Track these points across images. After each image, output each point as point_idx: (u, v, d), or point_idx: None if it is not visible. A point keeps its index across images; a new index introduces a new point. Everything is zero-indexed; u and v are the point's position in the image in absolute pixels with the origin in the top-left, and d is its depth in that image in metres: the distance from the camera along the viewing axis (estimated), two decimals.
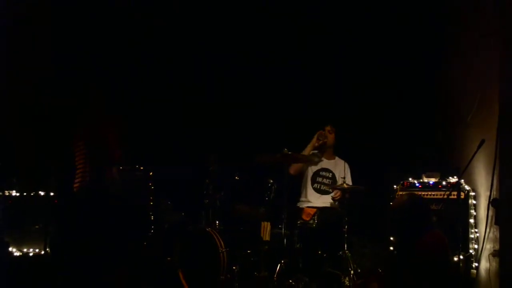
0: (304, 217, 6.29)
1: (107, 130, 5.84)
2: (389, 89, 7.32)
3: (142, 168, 7.02)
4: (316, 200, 6.59)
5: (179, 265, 5.99)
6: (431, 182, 6.23)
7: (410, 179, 6.34)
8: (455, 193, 5.75)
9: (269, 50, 7.73)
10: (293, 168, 6.61)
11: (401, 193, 6.17)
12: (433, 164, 6.57)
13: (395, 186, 6.36)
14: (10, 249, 5.97)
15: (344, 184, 6.04)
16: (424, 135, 7.09)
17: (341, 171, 6.49)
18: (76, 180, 5.76)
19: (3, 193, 6.34)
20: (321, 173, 6.70)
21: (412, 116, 7.22)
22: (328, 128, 6.69)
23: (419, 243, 4.34)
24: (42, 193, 6.34)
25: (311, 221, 6.16)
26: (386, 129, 7.30)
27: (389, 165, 6.95)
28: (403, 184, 6.32)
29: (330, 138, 6.69)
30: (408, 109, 7.26)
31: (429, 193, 6.13)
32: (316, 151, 6.77)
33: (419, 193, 6.06)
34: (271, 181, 6.26)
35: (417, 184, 6.27)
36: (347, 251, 5.84)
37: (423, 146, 6.93)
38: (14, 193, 6.38)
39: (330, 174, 6.67)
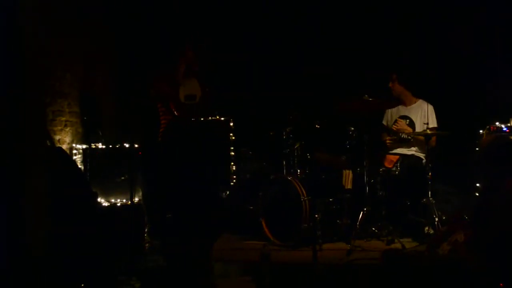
0: (387, 164, 6.18)
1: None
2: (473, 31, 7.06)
3: (223, 118, 7.07)
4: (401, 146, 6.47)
5: (262, 214, 6.05)
6: None
7: (497, 123, 6.12)
8: None
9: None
10: None
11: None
12: None
13: (481, 131, 6.16)
14: (98, 199, 6.16)
15: (428, 130, 5.89)
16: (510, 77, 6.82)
17: (421, 115, 6.34)
18: (161, 130, 5.91)
19: (90, 146, 6.53)
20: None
21: (496, 58, 6.94)
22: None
23: (507, 186, 4.18)
24: (127, 145, 6.49)
25: (394, 168, 6.04)
26: (472, 72, 7.06)
27: (475, 109, 6.74)
28: (489, 129, 6.10)
29: (395, 88, 6.49)
30: (492, 52, 6.99)
31: None
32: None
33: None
34: (352, 128, 6.17)
35: (504, 128, 6.04)
36: (431, 198, 5.74)
37: (510, 89, 6.68)
38: (100, 145, 6.55)
39: (407, 120, 6.46)
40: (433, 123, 6.23)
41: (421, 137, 6.18)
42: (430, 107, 6.32)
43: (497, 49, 6.98)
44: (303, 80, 7.57)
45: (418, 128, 6.33)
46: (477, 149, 4.76)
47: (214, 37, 6.75)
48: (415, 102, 6.51)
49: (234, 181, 7.23)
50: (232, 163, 7.20)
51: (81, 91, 7.15)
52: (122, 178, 6.32)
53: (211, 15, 7.50)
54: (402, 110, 6.53)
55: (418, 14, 7.38)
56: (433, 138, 6.12)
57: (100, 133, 6.76)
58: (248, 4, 7.72)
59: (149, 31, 7.44)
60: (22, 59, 3.22)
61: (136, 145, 6.46)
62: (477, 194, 5.95)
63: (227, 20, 7.61)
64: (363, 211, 5.71)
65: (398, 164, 6.05)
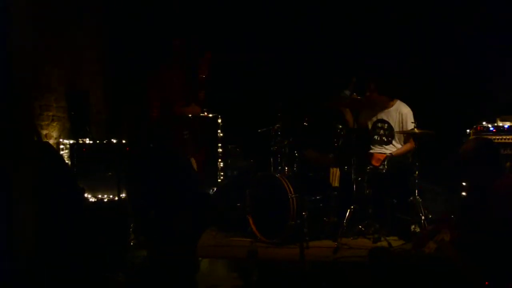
0: (374, 162, 6.18)
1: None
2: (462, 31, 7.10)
3: (211, 115, 7.07)
4: (382, 149, 6.46)
5: (249, 211, 6.05)
6: (506, 126, 6.02)
7: (484, 123, 6.14)
8: None
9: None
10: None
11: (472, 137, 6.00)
12: (508, 107, 6.35)
13: (468, 130, 6.18)
14: (85, 195, 6.13)
15: (415, 129, 5.90)
16: (498, 77, 6.85)
17: (398, 118, 6.31)
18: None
19: (77, 141, 6.50)
20: (378, 124, 6.46)
21: (486, 58, 6.97)
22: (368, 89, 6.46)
23: (494, 186, 4.20)
24: (114, 141, 6.46)
25: (381, 167, 6.05)
26: (460, 71, 7.08)
27: (462, 109, 6.76)
28: (476, 128, 6.12)
29: (372, 98, 6.32)
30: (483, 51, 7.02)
31: (504, 137, 5.93)
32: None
33: (494, 137, 5.87)
34: (340, 126, 6.17)
35: (491, 128, 6.06)
36: (418, 197, 5.76)
37: (498, 88, 6.71)
38: (87, 141, 6.53)
39: (386, 124, 6.41)
40: (410, 126, 6.09)
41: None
42: (406, 110, 6.30)
43: (486, 50, 7.00)
44: (292, 77, 7.57)
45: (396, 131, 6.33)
46: (459, 151, 4.72)
47: (203, 35, 6.70)
48: (392, 106, 6.41)
49: (222, 178, 7.24)
50: (220, 160, 7.21)
51: (69, 86, 7.11)
52: (109, 173, 6.30)
53: (207, 15, 7.50)
54: (379, 114, 6.48)
55: (407, 14, 7.39)
56: (411, 140, 6.13)
57: (88, 129, 6.73)
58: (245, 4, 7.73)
59: (148, 30, 7.40)
60: (10, 54, 3.20)
61: (123, 141, 6.44)
62: (463, 194, 5.97)
63: (217, 20, 7.59)
64: (350, 209, 5.73)
65: (385, 163, 6.05)
